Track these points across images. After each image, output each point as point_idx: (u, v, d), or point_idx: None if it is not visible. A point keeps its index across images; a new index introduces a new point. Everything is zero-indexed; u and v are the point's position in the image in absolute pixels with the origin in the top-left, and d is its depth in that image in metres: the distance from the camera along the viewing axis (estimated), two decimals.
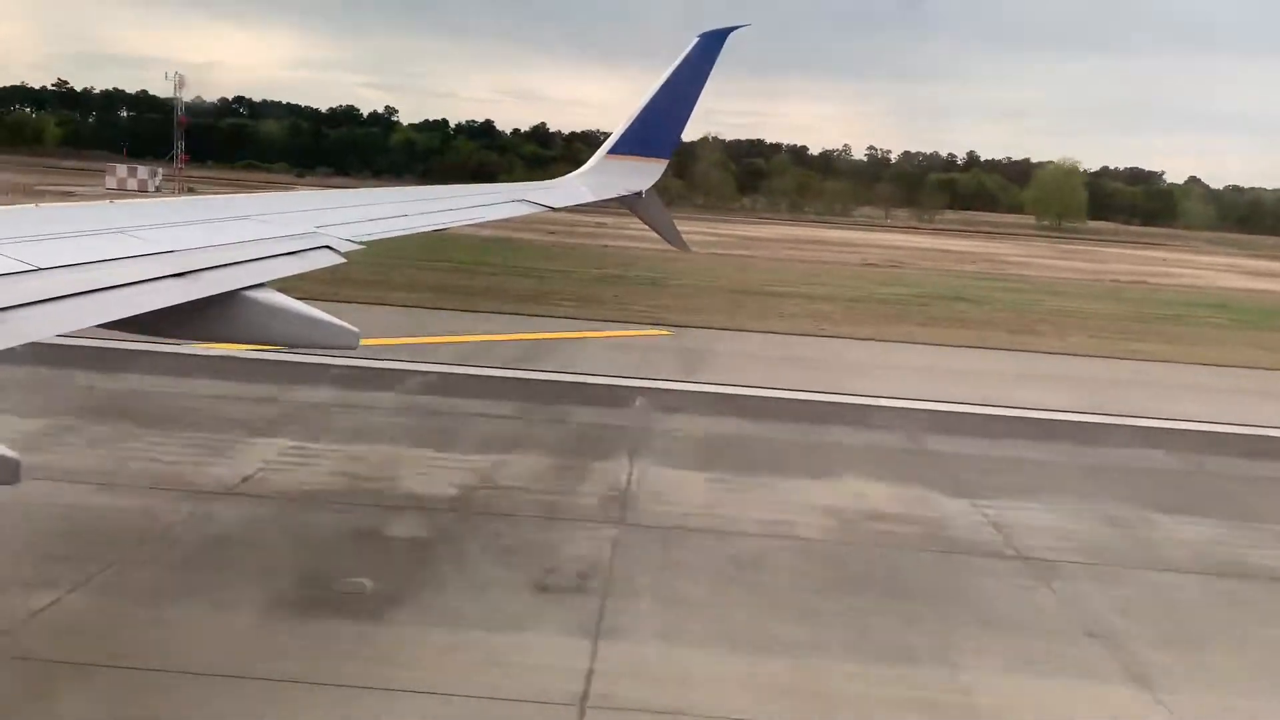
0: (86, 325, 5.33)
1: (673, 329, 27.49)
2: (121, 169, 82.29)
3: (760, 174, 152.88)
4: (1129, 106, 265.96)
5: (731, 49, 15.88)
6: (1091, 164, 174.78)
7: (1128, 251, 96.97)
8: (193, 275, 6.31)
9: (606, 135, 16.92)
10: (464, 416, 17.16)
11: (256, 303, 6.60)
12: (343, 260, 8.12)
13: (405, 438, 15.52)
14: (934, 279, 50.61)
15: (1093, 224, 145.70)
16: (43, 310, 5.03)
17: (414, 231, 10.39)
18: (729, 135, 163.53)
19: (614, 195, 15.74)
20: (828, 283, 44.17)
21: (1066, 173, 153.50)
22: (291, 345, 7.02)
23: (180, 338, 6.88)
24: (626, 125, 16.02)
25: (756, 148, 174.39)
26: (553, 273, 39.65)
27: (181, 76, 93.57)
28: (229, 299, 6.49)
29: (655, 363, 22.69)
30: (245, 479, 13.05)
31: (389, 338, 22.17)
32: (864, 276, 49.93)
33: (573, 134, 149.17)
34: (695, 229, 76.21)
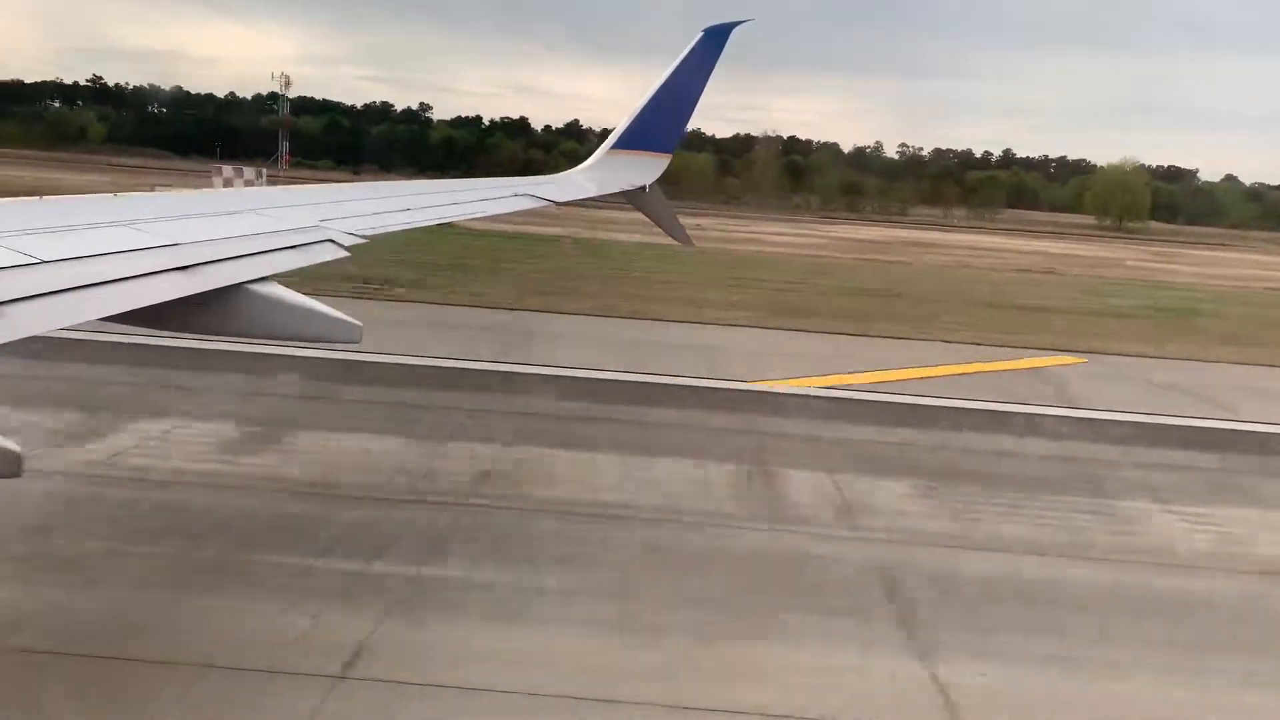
0: (88, 318, 5.34)
1: (1074, 355, 25.57)
2: (228, 169, 79.98)
3: (800, 171, 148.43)
4: (1134, 103, 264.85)
5: (735, 45, 15.86)
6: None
7: (1219, 254, 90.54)
8: (195, 269, 6.31)
9: None
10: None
11: (258, 296, 6.60)
12: (346, 255, 8.12)
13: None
14: (1125, 289, 48.31)
15: (1151, 224, 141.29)
16: (44, 303, 5.03)
17: (418, 225, 10.40)
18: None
19: (617, 190, 15.74)
20: (1049, 295, 41.91)
21: (1130, 173, 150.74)
22: (294, 339, 7.02)
23: (182, 331, 6.89)
24: (629, 121, 16.01)
25: (794, 145, 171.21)
26: (797, 286, 37.72)
27: (287, 76, 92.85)
28: (231, 293, 6.49)
29: (1227, 405, 20.58)
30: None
31: (875, 371, 21.40)
32: (1057, 285, 47.94)
33: (605, 130, 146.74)
34: (789, 231, 75.72)
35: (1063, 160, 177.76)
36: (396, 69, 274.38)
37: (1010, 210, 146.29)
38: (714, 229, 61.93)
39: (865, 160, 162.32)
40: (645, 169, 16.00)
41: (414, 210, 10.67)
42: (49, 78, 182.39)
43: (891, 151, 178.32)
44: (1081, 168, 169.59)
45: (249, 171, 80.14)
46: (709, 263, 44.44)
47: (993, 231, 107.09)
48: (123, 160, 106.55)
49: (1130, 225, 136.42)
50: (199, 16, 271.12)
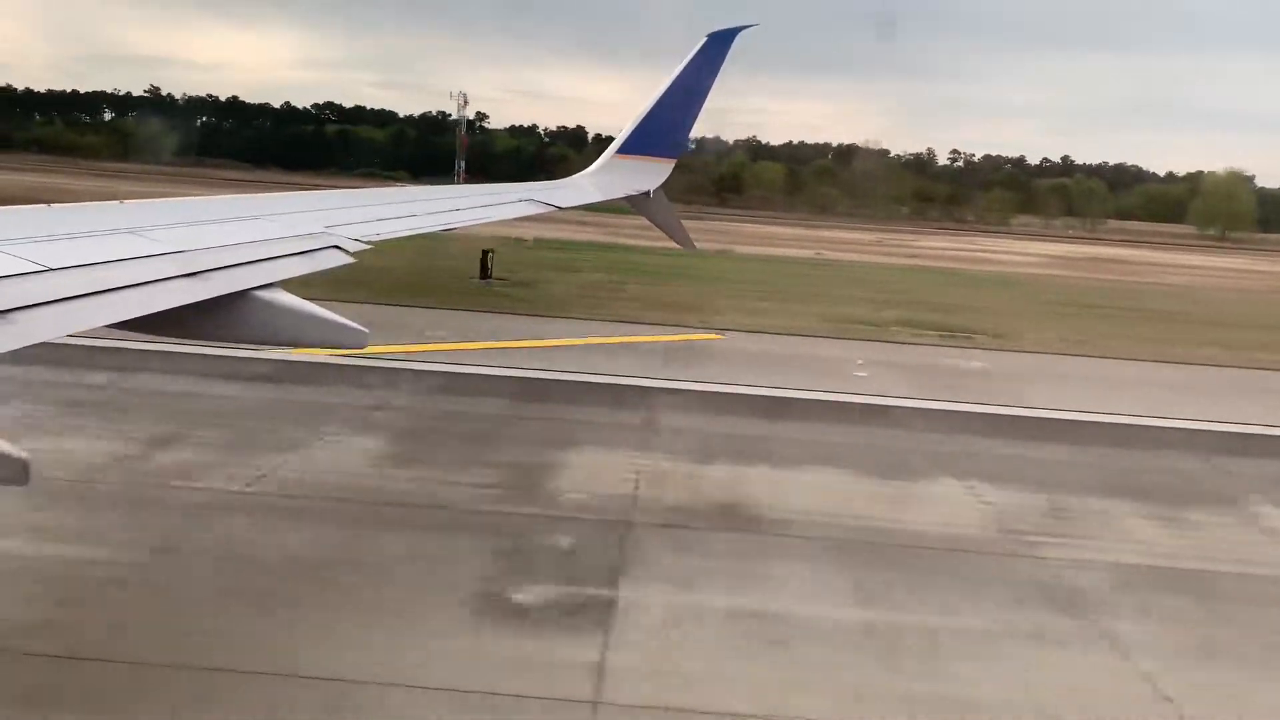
0: (96, 325, 5.37)
1: None
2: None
3: (834, 177, 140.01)
4: (1144, 106, 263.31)
5: (739, 48, 15.90)
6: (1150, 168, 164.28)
7: None
8: (202, 275, 6.34)
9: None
10: None
11: (265, 302, 6.63)
12: (351, 260, 8.15)
13: None
14: None
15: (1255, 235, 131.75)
16: (52, 310, 5.06)
17: (423, 231, 10.44)
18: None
19: (622, 195, 15.78)
20: None
21: (1238, 182, 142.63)
22: (300, 345, 7.05)
23: (189, 338, 6.91)
24: (634, 125, 16.05)
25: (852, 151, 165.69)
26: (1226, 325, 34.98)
27: (464, 95, 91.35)
28: (238, 299, 6.51)
29: None
30: None
31: None
32: None
33: None
34: (952, 245, 71.87)
35: (1120, 166, 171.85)
36: (400, 73, 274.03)
37: (1102, 220, 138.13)
38: (873, 244, 61.42)
39: (925, 166, 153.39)
40: (650, 174, 16.03)
41: (419, 216, 10.71)
42: (60, 86, 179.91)
43: (940, 157, 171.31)
44: (1140, 176, 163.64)
45: None
46: (1014, 288, 42.13)
47: (1125, 244, 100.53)
48: (222, 174, 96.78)
49: (1233, 235, 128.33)
50: (201, 20, 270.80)
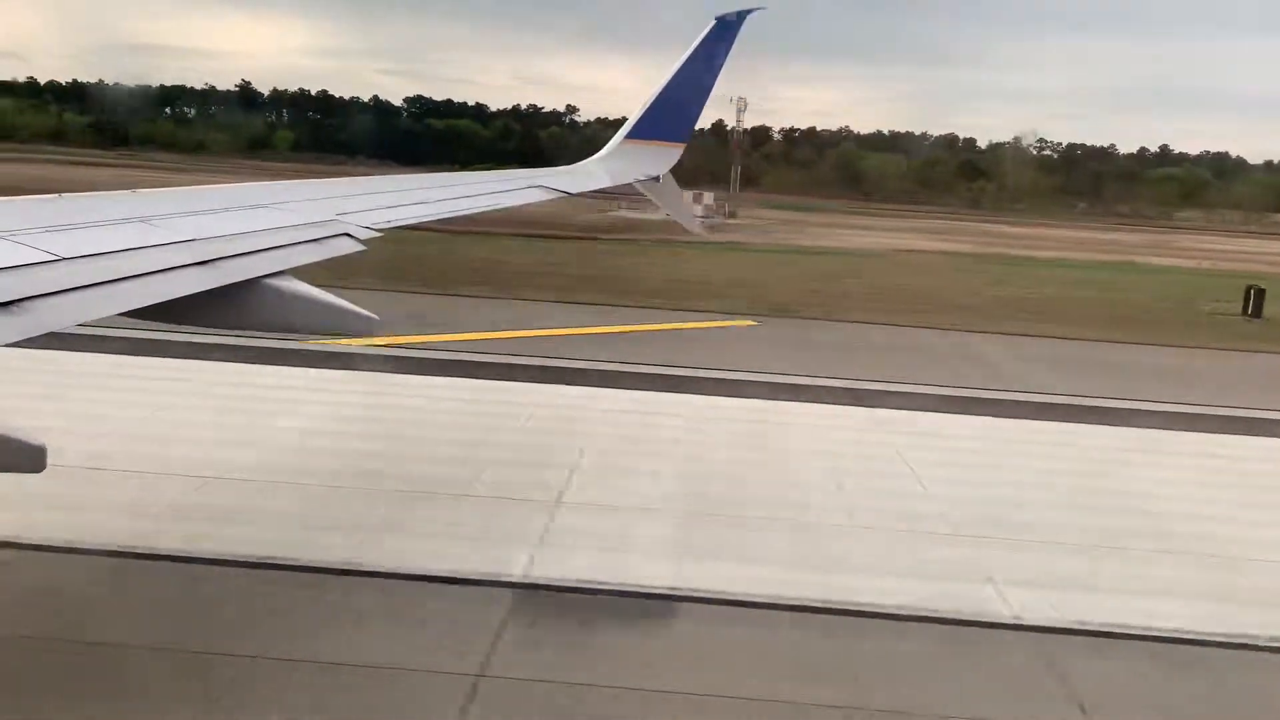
0: (109, 314, 5.40)
1: None
2: (689, 194, 75.49)
3: (979, 170, 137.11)
4: (1161, 89, 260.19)
5: (747, 32, 15.83)
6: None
7: None
8: (214, 263, 6.36)
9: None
10: None
11: (277, 290, 6.65)
12: (362, 248, 8.16)
13: None
14: None
15: None
16: (65, 299, 5.09)
17: (433, 219, 10.43)
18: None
19: (631, 180, 15.73)
20: None
21: None
22: (311, 332, 7.07)
23: (201, 326, 6.94)
24: (643, 110, 15.99)
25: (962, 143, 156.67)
26: None
27: (744, 100, 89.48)
28: (249, 287, 6.54)
29: None
30: None
31: None
32: None
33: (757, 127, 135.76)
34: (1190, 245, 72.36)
35: (1223, 155, 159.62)
36: (410, 62, 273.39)
37: (1268, 214, 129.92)
38: (1152, 246, 62.05)
39: (1022, 158, 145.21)
40: (659, 159, 15.99)
41: (429, 204, 10.69)
42: (86, 77, 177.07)
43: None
44: (1242, 166, 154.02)
45: (708, 196, 75.58)
46: None
47: None
48: (362, 170, 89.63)
49: None
50: (209, 9, 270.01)
